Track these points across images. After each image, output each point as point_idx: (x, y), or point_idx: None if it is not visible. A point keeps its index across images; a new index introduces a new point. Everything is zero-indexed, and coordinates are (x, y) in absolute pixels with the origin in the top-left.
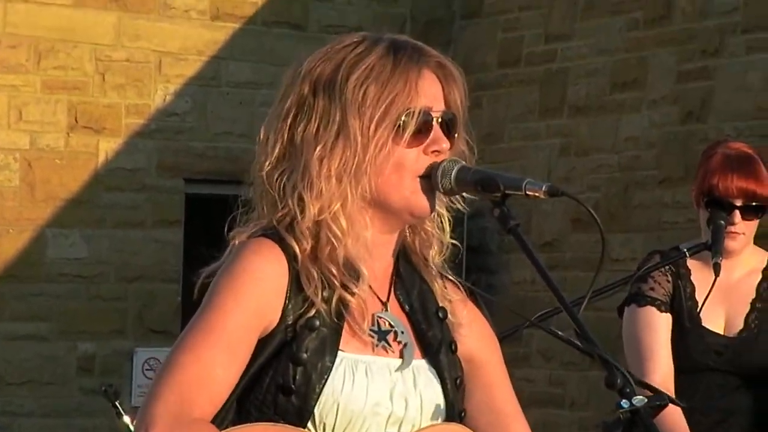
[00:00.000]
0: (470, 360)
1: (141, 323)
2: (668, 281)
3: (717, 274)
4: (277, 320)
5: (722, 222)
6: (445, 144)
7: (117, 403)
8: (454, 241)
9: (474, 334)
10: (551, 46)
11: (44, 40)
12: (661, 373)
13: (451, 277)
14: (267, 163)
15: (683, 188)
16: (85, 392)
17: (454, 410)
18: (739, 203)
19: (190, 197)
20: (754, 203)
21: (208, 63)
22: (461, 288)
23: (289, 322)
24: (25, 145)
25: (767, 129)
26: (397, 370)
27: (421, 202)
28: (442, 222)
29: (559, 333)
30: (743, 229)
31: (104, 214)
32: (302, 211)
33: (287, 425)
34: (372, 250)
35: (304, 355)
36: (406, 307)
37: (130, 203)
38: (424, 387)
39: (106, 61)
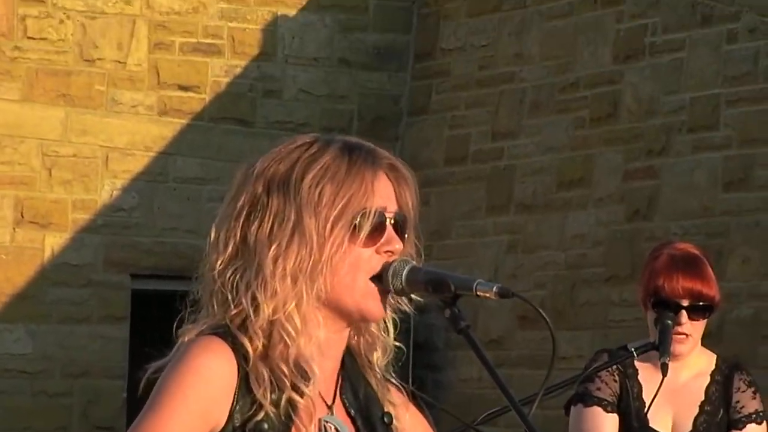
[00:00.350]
0: None
1: (86, 420)
2: (615, 381)
3: (665, 374)
4: (224, 422)
5: (669, 322)
6: (398, 245)
7: None
8: (398, 344)
9: None
10: (498, 144)
11: None
12: None
13: (394, 381)
14: (219, 262)
15: (630, 286)
16: None
17: None
18: (685, 303)
19: (136, 293)
20: (701, 303)
21: (156, 158)
22: (404, 392)
23: (237, 425)
24: None
25: (713, 228)
26: None
27: (373, 306)
28: (387, 324)
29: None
30: (690, 330)
31: (50, 310)
32: (256, 311)
33: None
34: (323, 350)
35: None
36: (352, 411)
37: (76, 299)
38: None
39: (53, 156)
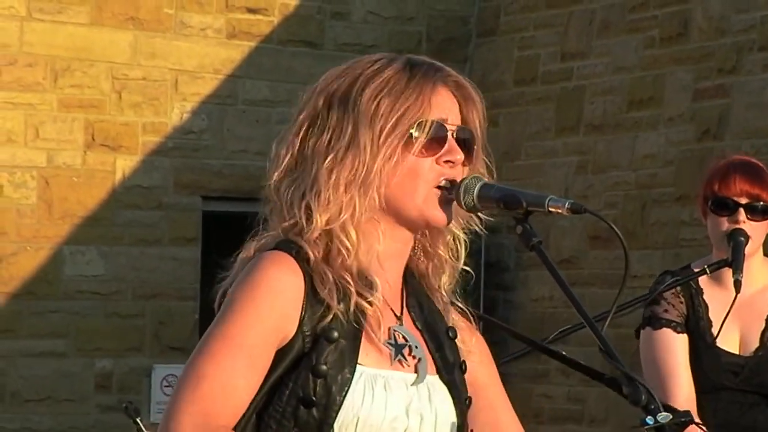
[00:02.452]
0: (472, 383)
1: (158, 340)
2: (681, 302)
3: (738, 291)
4: (294, 332)
5: (742, 239)
6: (459, 156)
7: (138, 420)
8: (467, 268)
9: (479, 360)
10: (567, 65)
11: (60, 59)
12: (684, 393)
13: (460, 305)
14: (275, 175)
15: None
16: (103, 409)
17: (464, 429)
18: (743, 201)
19: (207, 215)
20: (759, 203)
21: (225, 81)
22: (469, 317)
23: (307, 332)
24: (42, 163)
25: None
26: (412, 385)
27: (436, 210)
28: (457, 247)
29: (568, 356)
30: (750, 230)
31: (121, 232)
32: (309, 221)
33: None
34: (383, 262)
35: (324, 367)
36: (419, 323)
37: (147, 221)
38: (439, 404)
39: (122, 79)
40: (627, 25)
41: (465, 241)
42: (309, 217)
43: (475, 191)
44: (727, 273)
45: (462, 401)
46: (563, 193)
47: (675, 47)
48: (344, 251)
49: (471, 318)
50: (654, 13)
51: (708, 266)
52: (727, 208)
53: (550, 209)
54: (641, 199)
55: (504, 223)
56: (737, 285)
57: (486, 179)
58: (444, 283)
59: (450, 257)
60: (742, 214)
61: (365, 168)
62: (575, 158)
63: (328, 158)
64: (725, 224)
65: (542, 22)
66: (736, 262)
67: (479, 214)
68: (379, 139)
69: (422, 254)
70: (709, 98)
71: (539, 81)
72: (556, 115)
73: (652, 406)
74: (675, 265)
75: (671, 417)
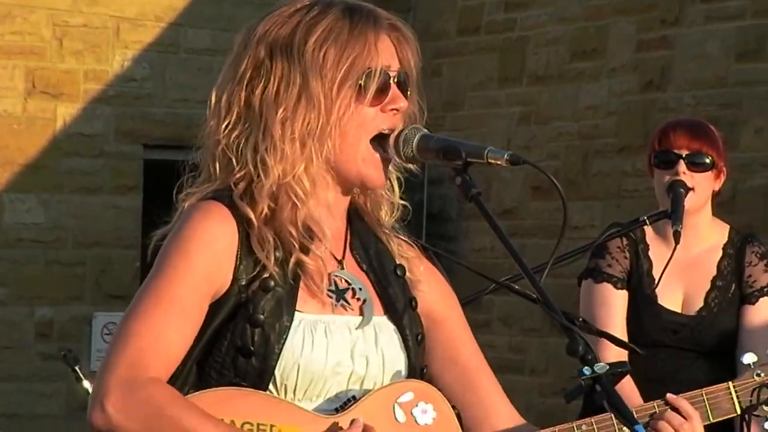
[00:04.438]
0: (430, 316)
1: (99, 288)
2: (626, 258)
3: (677, 242)
4: (229, 282)
5: (682, 190)
6: (403, 103)
7: (76, 368)
8: (404, 202)
9: (432, 290)
10: (511, 15)
11: (1, 5)
12: (614, 349)
13: (403, 237)
14: (223, 126)
15: (642, 156)
16: (44, 357)
17: (415, 367)
18: (684, 153)
19: (149, 163)
20: (700, 154)
21: (167, 29)
22: (415, 246)
23: (243, 284)
24: None
25: (726, 98)
26: (357, 328)
27: (374, 173)
28: (392, 183)
29: (527, 293)
30: (692, 182)
31: (62, 180)
32: (265, 174)
33: (249, 388)
34: (332, 208)
35: (261, 317)
36: (364, 265)
37: (88, 169)
38: (385, 344)
39: (63, 26)
40: None
41: (399, 178)
42: (264, 170)
43: (415, 142)
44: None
45: (413, 338)
46: (506, 143)
47: None
48: (297, 202)
49: (416, 247)
50: None
51: (648, 217)
52: (669, 161)
53: (490, 161)
54: (583, 150)
55: (446, 174)
56: (677, 236)
57: (425, 130)
58: (382, 216)
59: (385, 192)
60: (682, 166)
61: (320, 120)
62: (518, 109)
63: (280, 110)
64: (666, 177)
65: None
66: (675, 213)
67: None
68: (332, 90)
69: (360, 190)
70: (652, 49)
71: (483, 31)
72: (500, 66)
73: (589, 357)
74: (616, 215)
75: (608, 368)
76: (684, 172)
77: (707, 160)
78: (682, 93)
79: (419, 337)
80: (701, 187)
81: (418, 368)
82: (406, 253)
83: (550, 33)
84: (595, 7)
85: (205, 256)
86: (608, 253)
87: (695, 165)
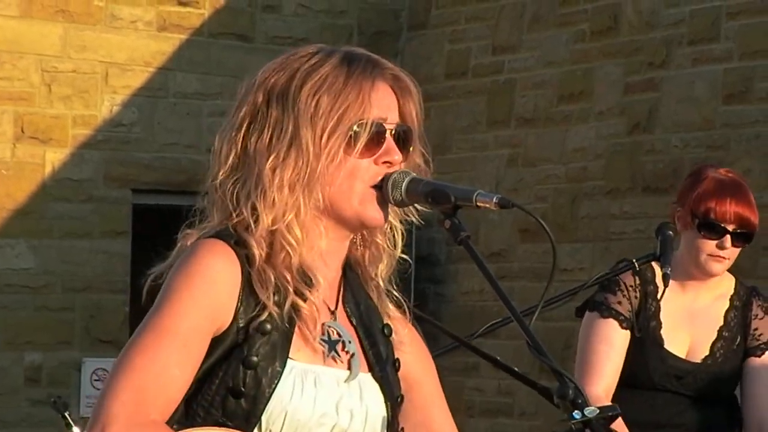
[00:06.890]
0: (407, 379)
1: (88, 334)
2: (636, 297)
3: (665, 284)
4: (229, 322)
5: (671, 233)
6: (397, 156)
7: (66, 414)
8: (404, 256)
9: (413, 353)
10: (498, 58)
11: None
12: (604, 385)
13: (395, 294)
14: (221, 172)
15: (630, 199)
16: (33, 403)
17: (395, 427)
18: (731, 228)
19: (138, 208)
20: (746, 230)
21: (155, 74)
22: (404, 306)
23: (241, 325)
24: None
25: (714, 140)
26: (345, 381)
27: (372, 211)
28: (394, 236)
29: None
30: (730, 255)
31: (51, 225)
32: (256, 221)
33: (235, 430)
34: (326, 258)
35: (255, 359)
36: (354, 319)
37: (77, 214)
38: (369, 401)
39: (52, 72)
40: (557, 19)
41: (402, 230)
42: (255, 217)
43: (403, 186)
44: (690, 282)
45: (393, 399)
46: (494, 186)
47: (605, 41)
48: (289, 249)
49: (406, 309)
50: (584, 7)
51: (636, 260)
52: (716, 232)
53: (479, 204)
54: (571, 193)
55: (435, 217)
56: (665, 279)
57: (414, 174)
58: (381, 271)
59: (387, 245)
60: (728, 241)
61: (308, 168)
62: (506, 151)
63: (271, 158)
64: (707, 245)
65: (473, 15)
66: (664, 256)
67: (416, 206)
68: (321, 139)
69: (360, 242)
70: (639, 92)
71: (470, 74)
72: (487, 109)
73: (579, 401)
74: (605, 258)
75: (598, 412)
76: (727, 247)
77: (750, 237)
78: (669, 135)
79: (399, 399)
80: (735, 257)
81: (398, 428)
82: (393, 313)
83: (538, 76)
84: (581, 50)
85: (209, 293)
86: (620, 290)
87: (739, 240)
